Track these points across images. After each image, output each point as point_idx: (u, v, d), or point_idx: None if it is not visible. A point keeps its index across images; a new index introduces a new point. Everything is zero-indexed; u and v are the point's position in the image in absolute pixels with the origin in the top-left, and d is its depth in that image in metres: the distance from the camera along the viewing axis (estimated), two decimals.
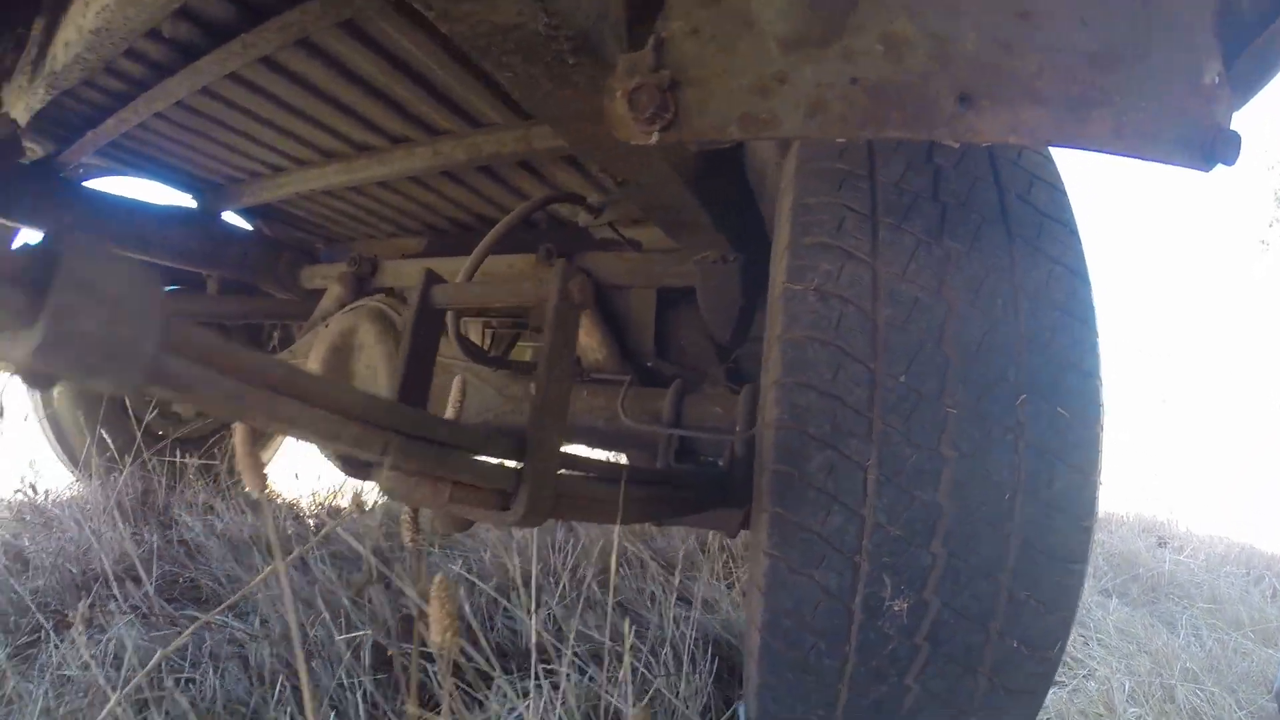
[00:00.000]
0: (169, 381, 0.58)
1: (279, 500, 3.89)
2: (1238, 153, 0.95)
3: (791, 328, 1.28)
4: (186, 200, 3.37)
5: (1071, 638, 2.81)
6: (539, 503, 1.01)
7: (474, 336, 3.52)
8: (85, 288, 0.49)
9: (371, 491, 3.82)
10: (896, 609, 1.21)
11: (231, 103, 2.34)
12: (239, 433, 0.93)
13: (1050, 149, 1.48)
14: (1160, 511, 6.18)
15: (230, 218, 3.54)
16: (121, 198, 3.04)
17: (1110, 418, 1.29)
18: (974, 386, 1.20)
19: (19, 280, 0.48)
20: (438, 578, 0.95)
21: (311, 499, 4.04)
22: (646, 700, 1.28)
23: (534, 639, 1.53)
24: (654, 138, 0.98)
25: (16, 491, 3.30)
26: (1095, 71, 0.87)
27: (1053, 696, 2.36)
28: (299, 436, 0.75)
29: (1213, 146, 0.93)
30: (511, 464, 1.05)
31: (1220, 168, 0.97)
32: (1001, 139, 0.87)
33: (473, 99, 2.16)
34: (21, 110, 1.83)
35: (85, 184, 2.99)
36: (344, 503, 4.00)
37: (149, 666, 1.06)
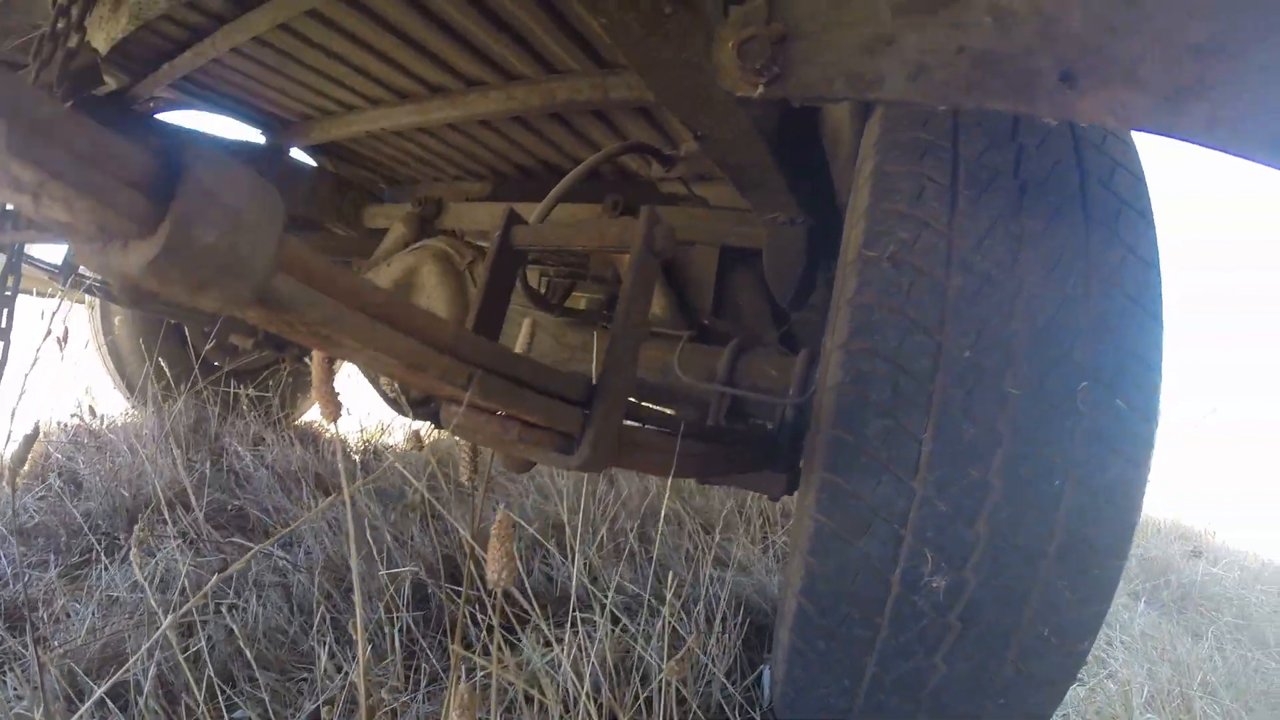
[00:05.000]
0: (273, 301, 0.58)
1: (327, 435, 3.96)
2: None
3: (862, 292, 1.29)
4: (255, 137, 3.40)
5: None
6: (602, 449, 1.02)
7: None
8: (210, 196, 0.47)
9: (423, 431, 3.89)
10: (934, 585, 1.21)
11: (308, 39, 2.35)
12: (317, 362, 0.95)
13: (1134, 137, 1.46)
14: (1198, 521, 6.09)
15: (297, 155, 3.57)
16: (192, 131, 3.05)
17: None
18: (1037, 367, 1.20)
19: (142, 185, 0.46)
20: (500, 514, 0.97)
21: (359, 435, 4.12)
22: (681, 655, 1.32)
23: (574, 585, 1.57)
24: (759, 90, 1.00)
25: (73, 415, 3.40)
26: (1196, 63, 0.86)
27: (1071, 694, 2.35)
28: (383, 367, 0.74)
29: None
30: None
31: None
32: (1098, 119, 0.87)
33: (551, 44, 2.16)
34: (103, 40, 1.84)
35: (155, 117, 3.00)
36: (391, 440, 4.06)
37: (201, 593, 1.10)
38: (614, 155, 2.31)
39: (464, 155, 3.21)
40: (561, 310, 2.44)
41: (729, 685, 1.86)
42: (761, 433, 1.89)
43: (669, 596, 1.56)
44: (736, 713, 1.75)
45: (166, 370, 3.70)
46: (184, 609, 1.09)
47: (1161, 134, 0.89)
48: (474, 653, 1.63)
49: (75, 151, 0.43)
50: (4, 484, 1.29)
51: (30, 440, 1.31)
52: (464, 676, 1.61)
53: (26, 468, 2.97)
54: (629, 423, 1.19)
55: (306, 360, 3.97)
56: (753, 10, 1.03)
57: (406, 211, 3.24)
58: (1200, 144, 0.90)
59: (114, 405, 3.93)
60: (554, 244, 1.33)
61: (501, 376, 0.85)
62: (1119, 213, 1.33)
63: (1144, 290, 1.27)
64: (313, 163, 3.74)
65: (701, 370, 2.15)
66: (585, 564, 2.40)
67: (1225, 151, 0.89)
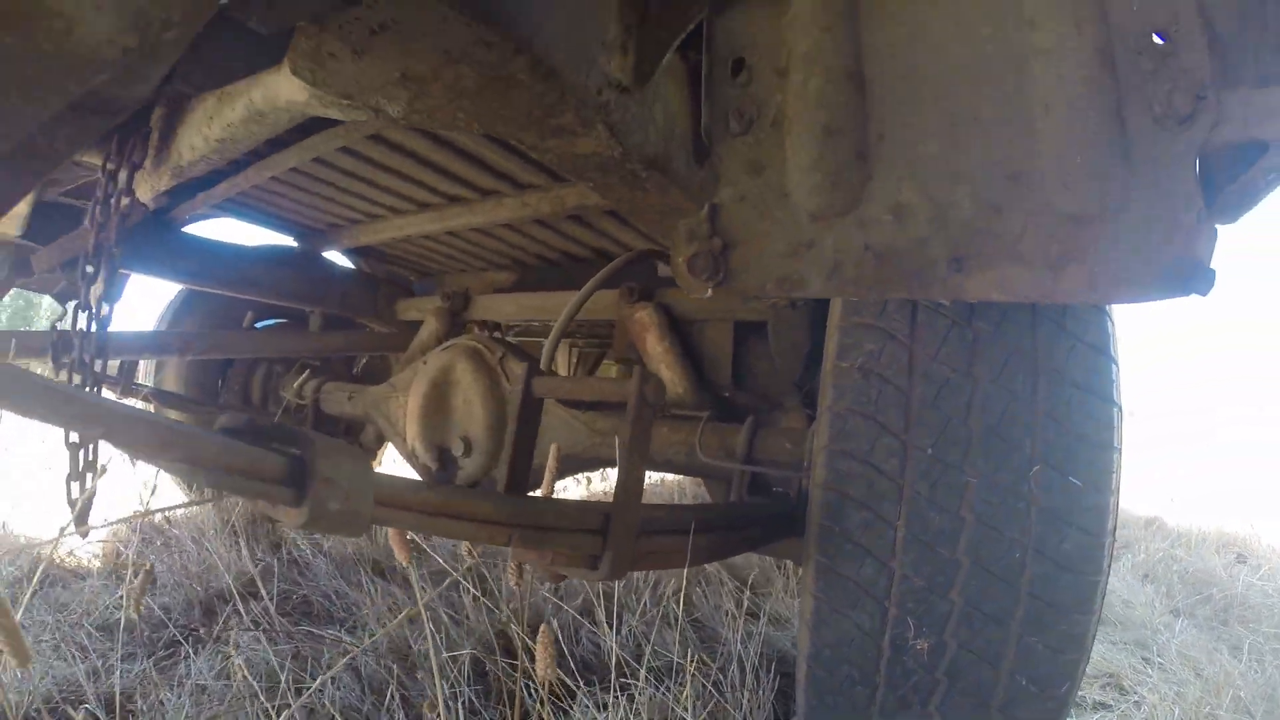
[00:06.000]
0: (379, 523, 0.89)
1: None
2: (1210, 287, 1.05)
3: (838, 401, 1.51)
4: (286, 240, 3.64)
5: (1132, 659, 2.91)
6: (620, 564, 1.26)
7: (561, 357, 3.72)
8: (330, 482, 0.77)
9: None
10: (919, 648, 1.43)
11: (336, 167, 2.58)
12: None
13: None
14: (1243, 526, 6.07)
15: (330, 254, 3.78)
16: (229, 245, 3.27)
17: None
18: (992, 457, 1.40)
19: (287, 479, 0.77)
20: (541, 628, 1.20)
21: None
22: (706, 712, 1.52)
23: (614, 660, 1.76)
24: (709, 291, 1.21)
25: (135, 512, 3.62)
26: (1074, 229, 1.04)
27: None
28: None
29: (1189, 280, 1.04)
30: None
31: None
32: (985, 297, 1.06)
33: None
34: (146, 191, 2.01)
35: (188, 228, 3.18)
36: None
37: (302, 699, 1.30)
38: (617, 269, 2.50)
39: (489, 251, 3.42)
40: (590, 406, 2.60)
41: None
42: (781, 504, 2.04)
43: (694, 663, 1.73)
44: None
45: None
46: (283, 717, 1.29)
47: (1044, 300, 1.07)
48: None
49: (242, 470, 0.75)
50: (130, 613, 1.52)
51: (148, 577, 1.52)
52: None
53: (100, 564, 3.19)
54: (650, 515, 1.41)
55: (361, 444, 4.18)
56: (697, 225, 1.27)
57: (436, 306, 3.47)
58: (1084, 302, 1.07)
59: (174, 496, 4.15)
60: (568, 395, 1.57)
61: (533, 529, 1.10)
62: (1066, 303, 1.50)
63: (1092, 375, 1.46)
64: (347, 263, 3.98)
65: (721, 449, 2.31)
66: (629, 632, 2.57)
67: (1108, 302, 1.06)
